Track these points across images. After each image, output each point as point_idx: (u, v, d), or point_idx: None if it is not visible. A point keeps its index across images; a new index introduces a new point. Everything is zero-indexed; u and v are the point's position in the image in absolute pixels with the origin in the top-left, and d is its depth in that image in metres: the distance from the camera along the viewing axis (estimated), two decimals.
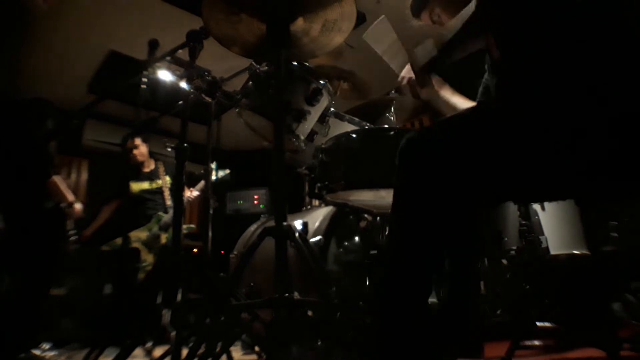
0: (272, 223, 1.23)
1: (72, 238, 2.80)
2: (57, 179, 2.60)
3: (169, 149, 2.81)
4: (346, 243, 2.05)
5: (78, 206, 2.73)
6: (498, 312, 2.11)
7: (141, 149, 3.56)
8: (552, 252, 1.92)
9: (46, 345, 2.47)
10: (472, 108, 0.99)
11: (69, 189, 2.98)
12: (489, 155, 0.92)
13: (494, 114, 0.99)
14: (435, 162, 0.91)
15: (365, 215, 1.95)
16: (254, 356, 1.84)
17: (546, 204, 1.99)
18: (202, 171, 1.93)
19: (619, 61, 0.86)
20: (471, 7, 1.02)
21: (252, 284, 1.77)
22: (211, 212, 1.87)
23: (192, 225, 4.03)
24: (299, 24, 1.42)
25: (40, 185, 2.47)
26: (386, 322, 0.89)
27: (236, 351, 1.96)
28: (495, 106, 1.02)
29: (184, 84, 1.63)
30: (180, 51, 1.69)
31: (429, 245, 0.90)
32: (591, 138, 0.85)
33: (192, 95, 1.60)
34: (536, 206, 2.01)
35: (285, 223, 1.21)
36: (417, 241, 0.90)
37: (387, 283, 0.92)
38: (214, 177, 2.63)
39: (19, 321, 2.12)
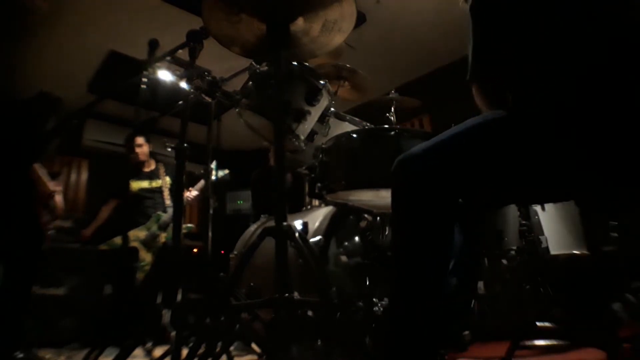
0: (272, 223, 1.23)
1: (51, 232, 2.71)
2: (38, 167, 2.46)
3: (169, 149, 2.80)
4: (346, 243, 2.05)
5: (59, 198, 2.62)
6: (498, 312, 2.11)
7: (144, 149, 3.57)
8: (552, 252, 1.92)
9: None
10: (468, 121, 0.99)
11: (61, 184, 2.92)
12: (489, 162, 0.92)
13: (495, 122, 0.99)
14: (434, 177, 0.92)
15: (365, 215, 1.94)
16: (254, 356, 1.84)
17: (546, 204, 1.99)
18: (202, 171, 1.93)
19: (620, 64, 0.86)
20: None
21: (252, 284, 1.77)
22: (211, 212, 1.87)
23: (192, 225, 4.03)
24: (299, 24, 1.42)
25: (20, 177, 2.37)
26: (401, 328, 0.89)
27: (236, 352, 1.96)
28: (495, 114, 1.03)
29: (184, 84, 1.64)
30: (180, 51, 1.69)
31: (436, 258, 0.91)
32: (592, 140, 0.85)
33: (192, 95, 1.60)
34: (536, 206, 2.01)
35: (285, 223, 1.21)
36: (424, 257, 0.90)
37: (398, 301, 0.92)
38: (213, 177, 2.63)
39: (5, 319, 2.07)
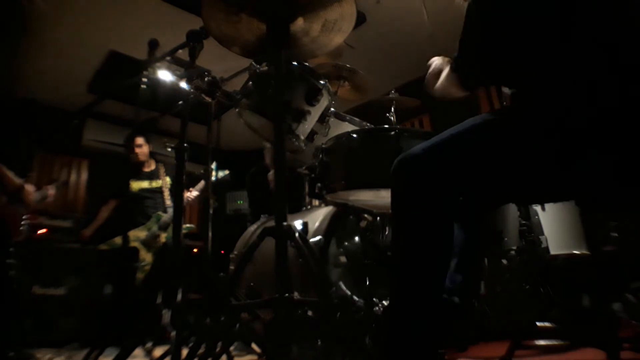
0: (272, 223, 1.23)
1: (23, 227, 2.66)
2: None
3: (169, 149, 2.80)
4: (346, 243, 2.05)
5: (29, 188, 2.59)
6: (498, 312, 2.11)
7: (144, 149, 3.57)
8: (552, 252, 1.92)
9: None
10: (467, 121, 0.99)
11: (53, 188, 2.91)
12: (489, 161, 0.92)
13: (494, 122, 0.99)
14: (434, 177, 0.92)
15: (365, 215, 1.94)
16: (254, 356, 1.84)
17: (546, 204, 1.99)
18: (202, 171, 1.93)
19: (620, 64, 0.86)
20: None
21: (252, 284, 1.77)
22: (211, 212, 1.87)
23: (192, 225, 4.03)
24: (299, 24, 1.42)
25: None
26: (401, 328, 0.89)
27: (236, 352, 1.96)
28: (494, 114, 1.03)
29: (184, 84, 1.63)
30: (180, 51, 1.69)
31: (436, 258, 0.91)
32: (592, 140, 0.85)
33: (192, 95, 1.60)
34: (536, 206, 2.01)
35: (285, 223, 1.21)
36: (424, 256, 0.90)
37: (398, 301, 0.92)
38: (213, 178, 2.63)
39: None
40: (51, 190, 3.00)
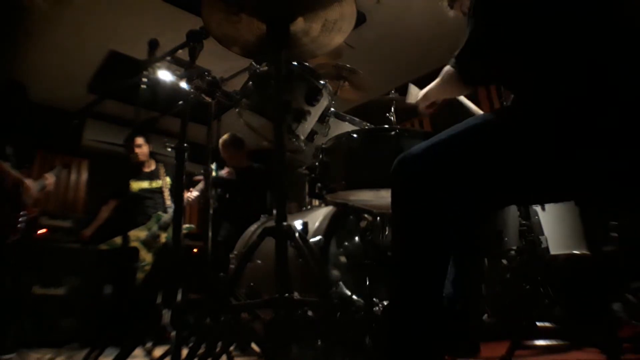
0: (272, 223, 1.23)
1: (20, 225, 2.61)
2: None
3: (169, 149, 2.80)
4: (346, 243, 2.05)
5: (29, 182, 2.58)
6: (498, 312, 2.11)
7: (144, 149, 3.57)
8: (552, 252, 1.92)
9: None
10: (468, 121, 0.99)
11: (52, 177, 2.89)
12: (490, 162, 0.92)
13: (494, 122, 0.99)
14: (434, 177, 0.92)
15: (365, 215, 1.94)
16: (254, 356, 1.84)
17: (546, 204, 1.99)
18: (202, 171, 1.93)
19: (620, 64, 0.86)
20: None
21: (252, 284, 1.77)
22: (211, 212, 1.87)
23: (192, 225, 4.03)
24: (299, 24, 1.42)
25: None
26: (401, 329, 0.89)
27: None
28: (494, 114, 1.03)
29: (184, 84, 1.64)
30: (180, 51, 1.69)
31: (436, 258, 0.91)
32: (593, 140, 0.85)
33: (192, 95, 1.60)
34: (536, 206, 2.01)
35: (285, 223, 1.21)
36: (424, 256, 0.90)
37: (399, 299, 0.92)
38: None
39: None
40: (50, 179, 2.98)
